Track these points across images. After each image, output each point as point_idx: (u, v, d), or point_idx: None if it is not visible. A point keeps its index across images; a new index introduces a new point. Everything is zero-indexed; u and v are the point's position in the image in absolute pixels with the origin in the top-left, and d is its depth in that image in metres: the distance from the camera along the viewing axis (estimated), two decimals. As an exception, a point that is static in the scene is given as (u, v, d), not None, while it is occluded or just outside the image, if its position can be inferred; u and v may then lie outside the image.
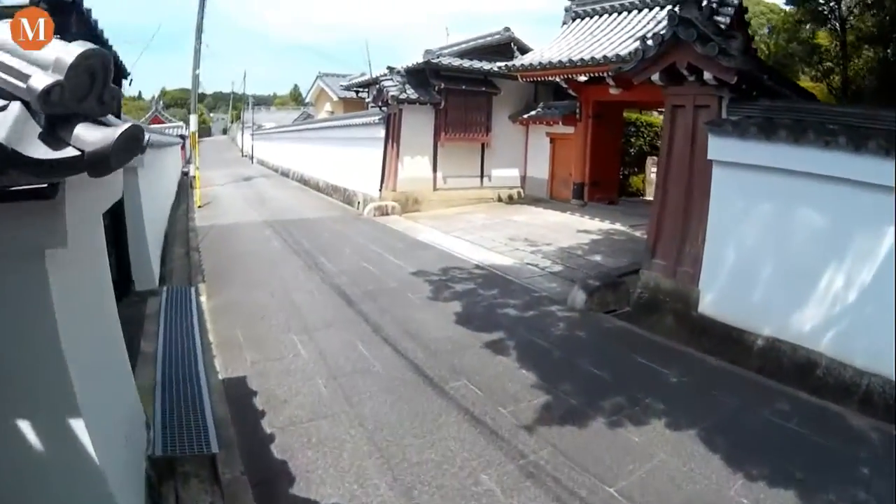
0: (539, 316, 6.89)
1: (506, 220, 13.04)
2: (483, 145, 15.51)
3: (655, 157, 18.44)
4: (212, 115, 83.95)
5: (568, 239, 10.74)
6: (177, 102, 67.93)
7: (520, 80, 13.94)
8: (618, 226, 11.84)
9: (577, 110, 13.94)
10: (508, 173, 16.15)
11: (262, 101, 73.52)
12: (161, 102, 43.37)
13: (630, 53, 7.61)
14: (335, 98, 28.30)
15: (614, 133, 14.71)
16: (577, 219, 12.79)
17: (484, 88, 14.84)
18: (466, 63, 14.34)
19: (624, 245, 10.14)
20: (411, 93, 14.06)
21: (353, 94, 25.46)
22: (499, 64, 14.09)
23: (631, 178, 17.08)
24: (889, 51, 13.30)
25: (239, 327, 6.18)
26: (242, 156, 41.56)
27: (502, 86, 14.96)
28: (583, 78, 12.14)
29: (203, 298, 7.00)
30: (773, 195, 5.94)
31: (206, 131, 61.48)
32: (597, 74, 11.44)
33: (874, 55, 14.03)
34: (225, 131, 72.54)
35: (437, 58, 13.85)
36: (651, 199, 18.48)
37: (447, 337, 6.04)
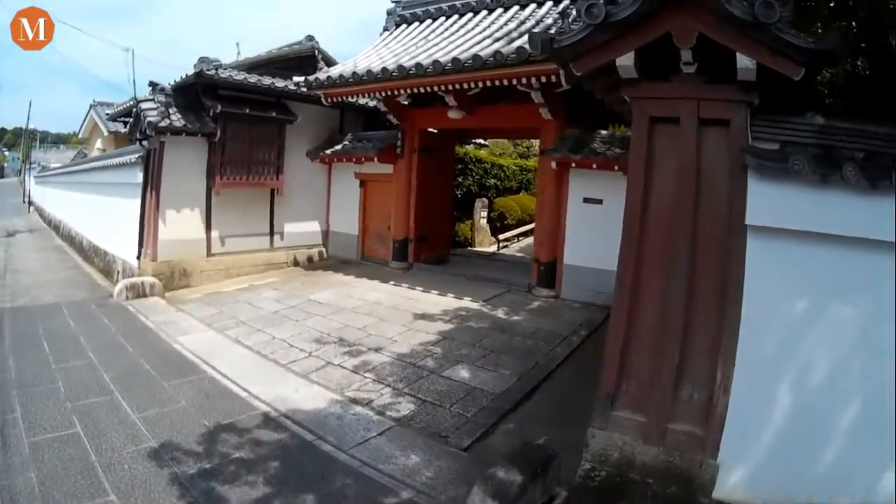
0: None
1: (306, 299, 8.53)
2: (273, 192, 10.90)
3: (485, 200, 16.07)
4: (8, 153, 74.88)
5: (405, 335, 6.77)
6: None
7: (323, 101, 9.82)
8: (466, 301, 8.31)
9: (399, 143, 10.31)
10: (306, 228, 11.73)
11: (63, 139, 64.83)
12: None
13: (570, 22, 4.16)
14: (105, 132, 20.86)
15: (445, 172, 11.46)
16: (406, 293, 8.93)
17: (275, 114, 10.35)
18: (252, 78, 9.76)
19: (485, 340, 6.56)
20: (177, 119, 9.13)
21: (123, 126, 18.24)
22: (296, 79, 9.80)
23: (458, 226, 14.06)
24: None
25: None
26: (24, 202, 34.33)
27: (300, 111, 10.69)
28: (418, 92, 8.49)
29: None
30: (867, 292, 2.92)
31: (-4, 173, 45.20)
32: (433, 89, 7.95)
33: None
34: (19, 172, 60.20)
35: (214, 70, 9.02)
36: (484, 249, 16.09)
37: None
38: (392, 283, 9.48)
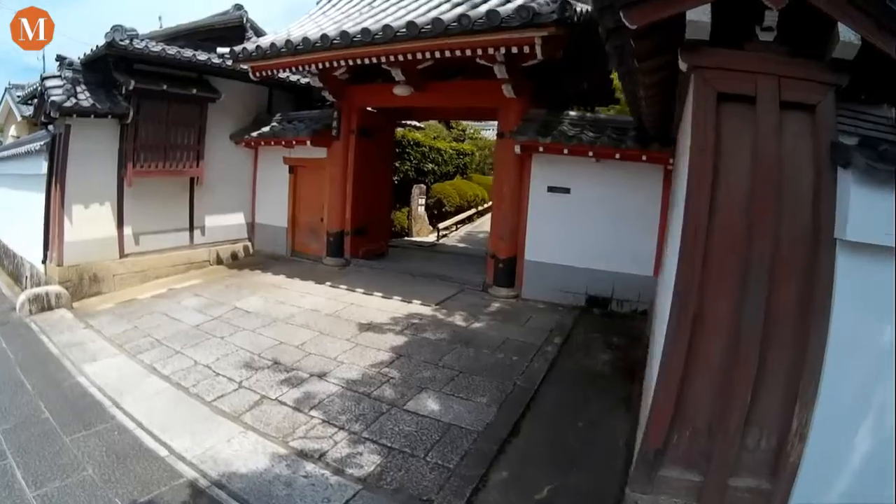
0: None
1: (232, 307, 7.15)
2: (193, 181, 9.27)
3: (423, 186, 14.98)
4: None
5: (352, 353, 5.67)
6: None
7: (251, 76, 8.25)
8: (417, 305, 7.30)
9: (335, 124, 8.98)
10: (230, 221, 10.14)
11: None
12: None
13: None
14: (19, 117, 17.36)
15: (385, 157, 10.28)
16: (347, 296, 7.76)
17: (196, 91, 8.68)
18: (172, 50, 8.03)
19: (448, 357, 5.61)
20: (85, 98, 7.48)
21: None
22: (220, 50, 8.22)
23: (393, 214, 12.92)
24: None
25: None
26: None
27: (224, 89, 9.09)
28: (362, 64, 7.18)
29: None
30: None
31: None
32: (381, 60, 6.77)
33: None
34: None
35: (128, 40, 7.28)
36: (423, 238, 14.90)
37: None
38: (328, 284, 8.26)
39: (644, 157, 6.47)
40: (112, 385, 4.88)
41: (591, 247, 7.30)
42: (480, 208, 18.33)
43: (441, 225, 14.11)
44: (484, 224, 17.15)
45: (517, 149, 7.04)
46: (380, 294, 7.74)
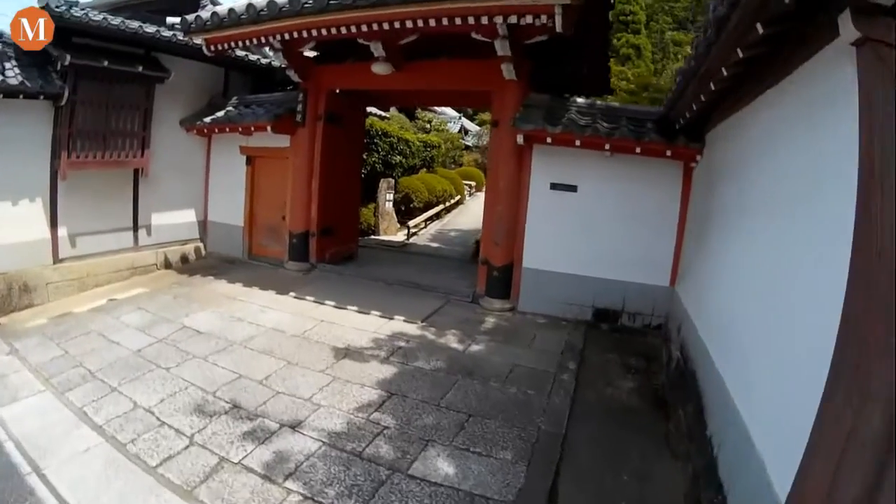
0: None
1: (181, 325, 5.86)
2: (137, 173, 7.82)
3: (391, 180, 13.76)
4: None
5: (330, 392, 4.56)
6: None
7: (205, 50, 6.88)
8: (400, 322, 6.25)
9: (300, 108, 7.73)
10: (180, 219, 8.73)
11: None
12: None
13: None
14: None
15: (355, 147, 9.11)
16: (315, 310, 6.59)
17: (142, 69, 7.24)
18: (115, 20, 6.62)
19: (451, 394, 4.60)
20: (14, 75, 6.17)
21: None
22: (171, 20, 7.07)
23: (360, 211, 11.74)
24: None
25: None
26: None
27: (174, 67, 7.66)
28: (336, 33, 5.94)
29: None
30: None
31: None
32: (359, 30, 5.60)
33: None
34: None
35: (65, 7, 5.97)
36: (392, 237, 13.46)
37: None
38: (293, 294, 7.05)
39: (668, 153, 5.63)
40: (33, 438, 3.66)
41: (600, 253, 6.45)
42: (448, 204, 17.36)
43: (411, 223, 13.00)
44: (453, 221, 16.16)
45: (519, 139, 6.06)
46: (354, 308, 6.62)
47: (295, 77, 7.58)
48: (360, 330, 5.93)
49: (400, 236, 12.69)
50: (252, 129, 7.90)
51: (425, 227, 14.27)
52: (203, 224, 9.15)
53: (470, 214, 17.93)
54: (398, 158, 13.34)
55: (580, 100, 6.53)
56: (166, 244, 8.45)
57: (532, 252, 6.61)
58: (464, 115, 29.22)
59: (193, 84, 8.49)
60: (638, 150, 5.65)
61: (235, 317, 6.18)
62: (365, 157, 11.30)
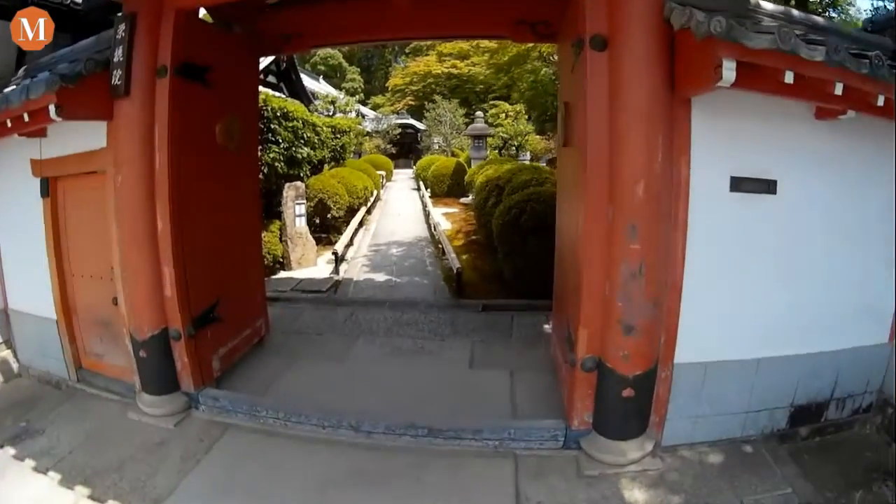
0: None
1: None
2: None
3: (299, 184, 9.24)
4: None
5: None
6: None
7: None
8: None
9: (118, 55, 3.40)
10: None
11: None
12: None
13: None
14: None
15: (245, 129, 4.77)
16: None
17: None
18: None
19: None
20: None
21: None
22: None
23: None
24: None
25: None
26: None
27: None
28: None
29: None
30: None
31: None
32: None
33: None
34: None
35: None
36: (309, 270, 7.07)
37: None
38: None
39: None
40: None
41: (808, 307, 3.16)
42: (369, 205, 13.37)
43: (338, 245, 8.81)
44: (383, 229, 12.15)
45: (714, 56, 2.36)
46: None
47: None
48: None
49: (323, 267, 8.56)
50: (26, 116, 3.44)
51: (351, 243, 10.18)
52: (5, 316, 4.56)
53: (396, 216, 14.07)
54: (305, 151, 9.02)
55: (768, 4, 3.02)
56: None
57: (694, 330, 3.06)
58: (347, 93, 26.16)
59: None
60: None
61: None
62: (259, 152, 6.95)
